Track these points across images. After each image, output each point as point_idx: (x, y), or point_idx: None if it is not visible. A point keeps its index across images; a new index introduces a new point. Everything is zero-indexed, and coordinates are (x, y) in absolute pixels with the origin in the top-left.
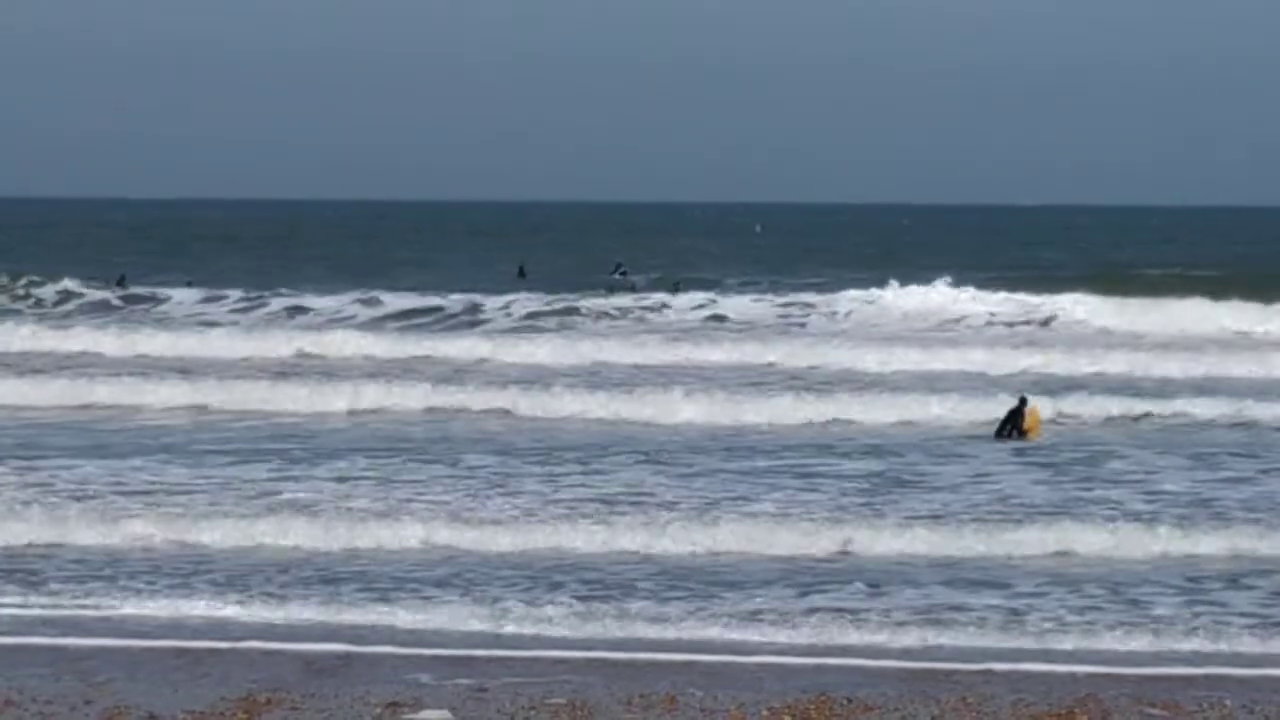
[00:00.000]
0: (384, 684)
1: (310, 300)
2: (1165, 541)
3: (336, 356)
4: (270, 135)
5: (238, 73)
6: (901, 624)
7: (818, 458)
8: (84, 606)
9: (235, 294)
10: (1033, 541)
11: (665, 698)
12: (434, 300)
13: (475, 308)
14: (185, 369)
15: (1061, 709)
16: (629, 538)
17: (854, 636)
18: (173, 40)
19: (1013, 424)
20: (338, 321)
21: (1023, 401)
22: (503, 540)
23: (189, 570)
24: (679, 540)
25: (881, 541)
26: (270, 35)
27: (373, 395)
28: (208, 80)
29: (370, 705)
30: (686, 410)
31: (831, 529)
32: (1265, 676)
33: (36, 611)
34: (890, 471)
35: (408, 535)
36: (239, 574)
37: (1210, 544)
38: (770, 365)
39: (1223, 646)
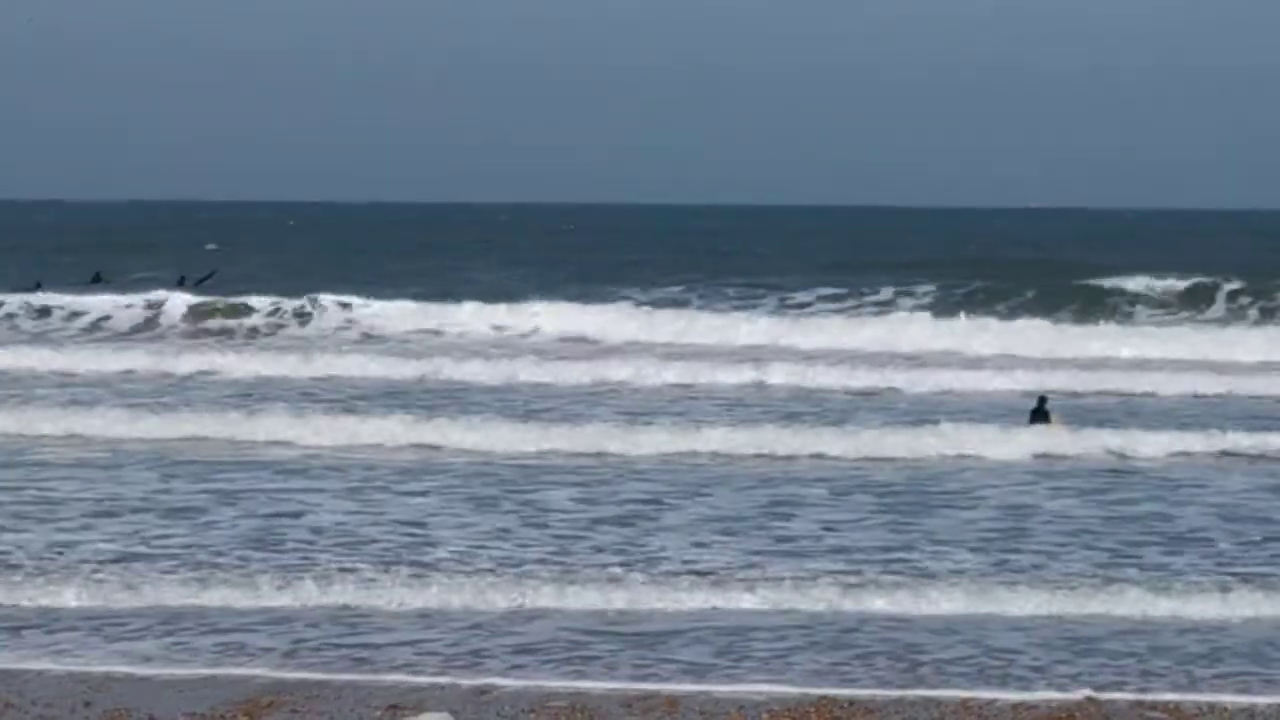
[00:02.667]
0: (385, 686)
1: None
2: None
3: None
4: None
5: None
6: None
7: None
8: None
9: None
10: None
11: (665, 700)
12: None
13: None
14: None
15: (1062, 712)
16: None
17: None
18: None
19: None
20: None
21: (1042, 401)
22: None
23: None
24: None
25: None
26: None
27: None
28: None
29: (371, 708)
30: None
31: None
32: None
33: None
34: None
35: None
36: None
37: None
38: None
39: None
